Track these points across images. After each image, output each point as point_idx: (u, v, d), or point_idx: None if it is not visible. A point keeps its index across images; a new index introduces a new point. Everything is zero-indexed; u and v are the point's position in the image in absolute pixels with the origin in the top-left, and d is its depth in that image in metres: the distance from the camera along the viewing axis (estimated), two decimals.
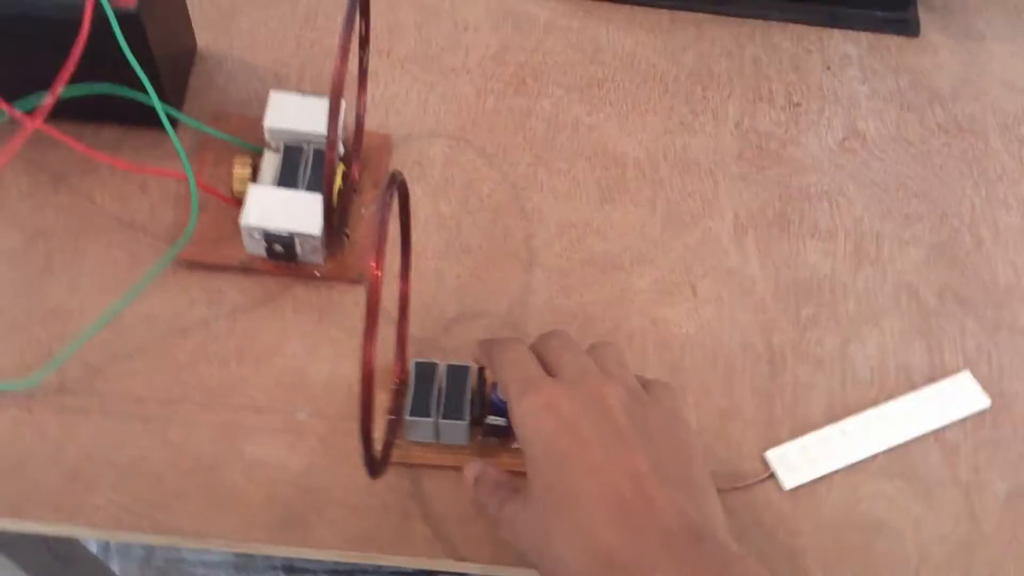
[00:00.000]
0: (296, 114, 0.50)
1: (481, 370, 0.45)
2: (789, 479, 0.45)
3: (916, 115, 0.56)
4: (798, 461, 0.46)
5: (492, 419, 0.44)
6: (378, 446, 0.41)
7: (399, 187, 0.39)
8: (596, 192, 0.53)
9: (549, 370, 0.41)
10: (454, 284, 0.50)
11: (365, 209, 0.51)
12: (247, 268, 0.49)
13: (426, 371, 0.44)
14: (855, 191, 0.54)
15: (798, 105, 0.56)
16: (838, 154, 0.55)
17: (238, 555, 0.97)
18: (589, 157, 0.54)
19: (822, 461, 0.46)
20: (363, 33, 0.48)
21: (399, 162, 0.53)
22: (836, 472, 0.46)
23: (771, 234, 0.52)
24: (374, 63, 0.55)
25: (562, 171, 0.53)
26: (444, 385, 0.44)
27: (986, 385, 0.48)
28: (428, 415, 0.43)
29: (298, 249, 0.48)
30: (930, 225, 0.53)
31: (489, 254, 0.51)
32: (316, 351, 0.47)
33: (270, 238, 0.47)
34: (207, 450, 0.44)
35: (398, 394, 0.44)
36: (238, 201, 0.48)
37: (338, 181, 0.49)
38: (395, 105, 0.54)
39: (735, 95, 0.56)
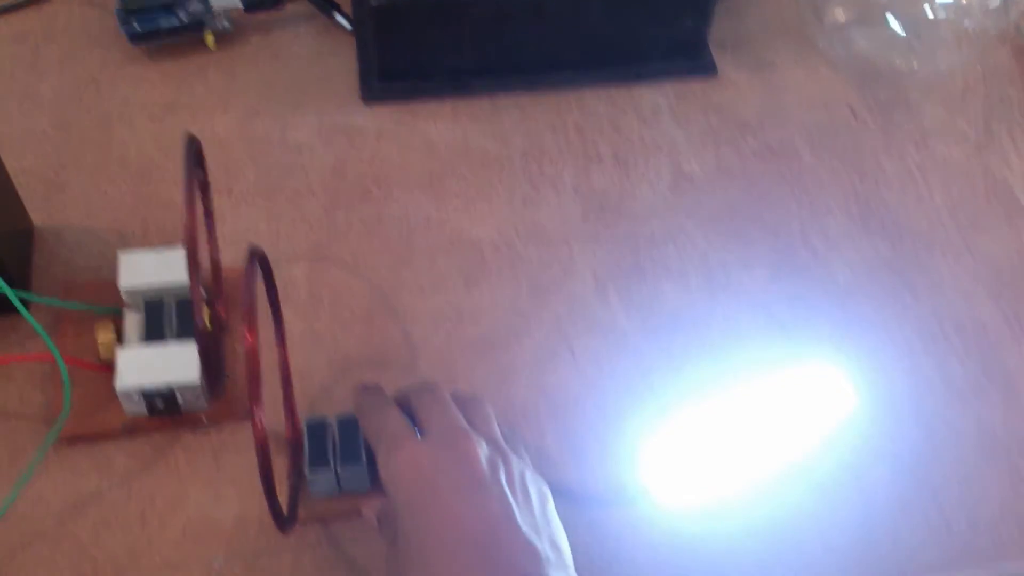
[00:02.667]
0: (149, 269, 0.50)
1: None
2: (691, 498, 0.48)
3: (732, 147, 0.61)
4: (701, 481, 0.48)
5: None
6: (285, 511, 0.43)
7: (260, 259, 0.41)
8: (460, 280, 0.55)
9: (419, 424, 0.43)
10: (344, 397, 0.50)
11: (239, 346, 0.51)
12: (131, 430, 0.48)
13: (318, 427, 0.46)
14: (694, 228, 0.57)
15: (625, 160, 0.60)
16: (671, 198, 0.59)
17: None
18: (446, 249, 0.56)
19: (726, 478, 0.48)
20: (202, 180, 0.49)
21: (262, 291, 0.53)
22: (741, 485, 0.48)
23: (630, 284, 0.55)
24: (219, 203, 0.56)
25: (424, 267, 0.55)
26: (337, 436, 0.46)
27: (851, 378, 0.52)
28: (327, 465, 0.45)
29: (180, 400, 0.47)
30: (767, 245, 0.57)
31: (372, 360, 0.52)
32: (219, 496, 0.47)
33: (149, 396, 0.47)
34: None
35: (295, 455, 0.46)
36: (107, 367, 0.48)
37: (207, 324, 0.50)
38: (247, 238, 0.55)
39: (567, 163, 0.60)
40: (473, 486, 0.39)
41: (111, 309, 0.51)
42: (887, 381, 0.52)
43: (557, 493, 0.46)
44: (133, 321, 0.50)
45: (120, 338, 0.49)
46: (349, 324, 0.53)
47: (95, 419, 0.48)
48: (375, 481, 0.46)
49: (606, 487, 0.48)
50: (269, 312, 0.46)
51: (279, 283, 0.53)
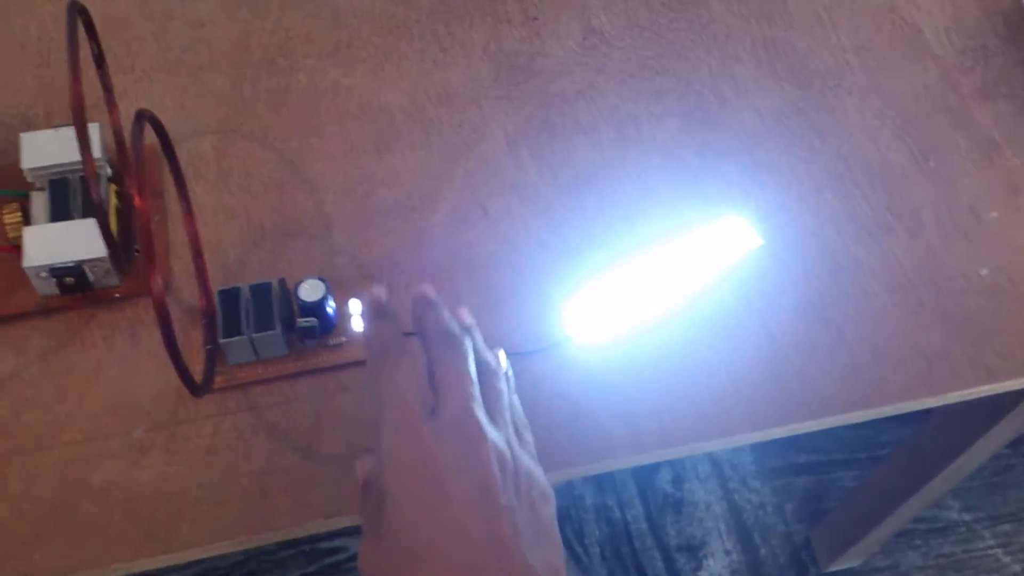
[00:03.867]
0: (52, 149, 0.49)
1: (282, 281, 0.47)
2: (603, 340, 0.49)
3: (641, 1, 0.60)
4: (613, 324, 0.49)
5: (302, 321, 0.46)
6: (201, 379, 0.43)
7: (152, 122, 0.41)
8: (372, 146, 0.55)
9: (434, 384, 0.38)
10: (258, 268, 0.51)
11: (152, 222, 0.51)
12: (45, 310, 0.48)
13: (230, 296, 0.47)
14: (604, 83, 0.57)
15: (535, 19, 0.59)
16: (581, 54, 0.58)
17: None
18: (356, 115, 0.56)
19: (636, 320, 0.49)
20: (96, 53, 0.48)
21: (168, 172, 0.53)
22: (650, 328, 0.49)
23: (541, 142, 0.55)
24: (121, 81, 0.55)
25: (334, 135, 0.55)
26: (250, 304, 0.46)
27: (759, 221, 0.53)
28: (240, 333, 0.46)
29: (90, 276, 0.48)
30: (677, 96, 0.57)
31: (285, 230, 0.52)
32: (136, 369, 0.47)
33: (58, 273, 0.47)
34: (53, 491, 0.44)
35: (209, 326, 0.46)
36: (17, 248, 0.48)
37: (113, 200, 0.50)
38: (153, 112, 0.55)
39: (476, 24, 0.59)
40: (484, 495, 0.35)
41: (18, 192, 0.50)
42: (794, 222, 0.53)
43: (477, 348, 0.47)
44: (39, 201, 0.49)
45: (27, 219, 0.49)
46: (260, 196, 0.53)
47: (8, 300, 0.48)
48: (292, 346, 0.48)
49: (523, 338, 0.49)
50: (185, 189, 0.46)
51: (187, 158, 0.54)
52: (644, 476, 1.08)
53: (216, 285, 0.48)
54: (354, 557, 1.02)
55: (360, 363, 0.48)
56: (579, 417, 0.47)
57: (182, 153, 0.54)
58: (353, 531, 1.01)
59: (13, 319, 0.48)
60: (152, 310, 0.49)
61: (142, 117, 0.40)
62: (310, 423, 0.47)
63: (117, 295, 0.49)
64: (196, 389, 0.42)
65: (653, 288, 0.50)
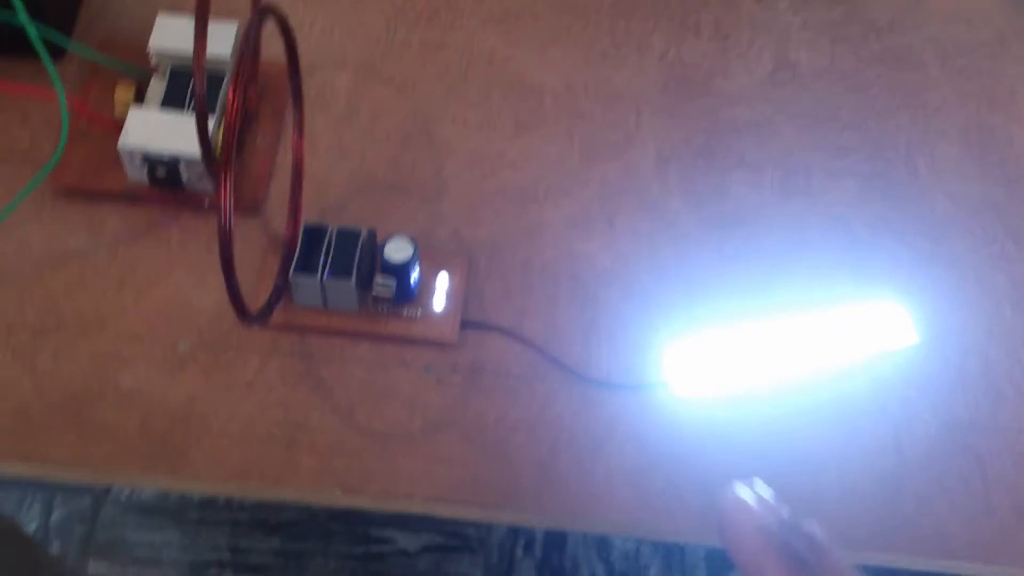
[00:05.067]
0: (184, 36, 0.47)
1: (372, 232, 0.43)
2: (695, 391, 0.42)
3: (850, 46, 0.54)
4: (711, 378, 0.43)
5: (380, 280, 0.42)
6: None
7: (280, 22, 0.38)
8: (511, 123, 0.50)
9: None
10: (356, 215, 0.47)
11: (263, 137, 0.48)
12: (131, 197, 0.46)
13: (315, 234, 0.43)
14: (784, 122, 0.51)
15: (727, 37, 0.54)
16: (768, 86, 0.52)
17: (183, 534, 0.93)
18: (504, 88, 0.51)
19: (743, 384, 0.43)
20: None
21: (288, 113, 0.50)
22: (760, 397, 0.43)
23: (695, 166, 0.49)
24: None
25: (475, 103, 0.51)
26: (332, 247, 0.42)
27: (920, 317, 0.45)
28: (314, 274, 0.42)
29: (184, 175, 0.45)
30: (863, 157, 0.50)
31: (395, 184, 0.48)
32: (202, 282, 0.44)
33: (151, 161, 0.44)
34: (78, 380, 0.41)
35: (286, 259, 0.42)
36: (120, 127, 0.45)
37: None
38: (298, 35, 0.51)
39: (660, 27, 0.54)
40: None
41: (141, 73, 0.48)
42: (961, 330, 0.45)
43: (560, 366, 0.42)
44: (156, 87, 0.47)
45: (140, 100, 0.47)
46: (381, 143, 0.49)
47: (97, 177, 0.46)
48: (363, 304, 0.43)
49: (613, 369, 0.43)
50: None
51: (318, 88, 0.50)
52: (719, 567, 0.99)
53: (310, 219, 0.44)
54: (401, 553, 0.97)
55: (431, 343, 0.43)
56: (650, 470, 0.41)
57: (315, 82, 0.50)
58: (402, 525, 0.97)
59: (96, 198, 0.46)
60: (237, 227, 0.46)
61: (265, 11, 0.37)
62: (359, 390, 0.42)
63: (207, 203, 0.46)
64: (245, 315, 0.38)
65: (776, 355, 0.44)
